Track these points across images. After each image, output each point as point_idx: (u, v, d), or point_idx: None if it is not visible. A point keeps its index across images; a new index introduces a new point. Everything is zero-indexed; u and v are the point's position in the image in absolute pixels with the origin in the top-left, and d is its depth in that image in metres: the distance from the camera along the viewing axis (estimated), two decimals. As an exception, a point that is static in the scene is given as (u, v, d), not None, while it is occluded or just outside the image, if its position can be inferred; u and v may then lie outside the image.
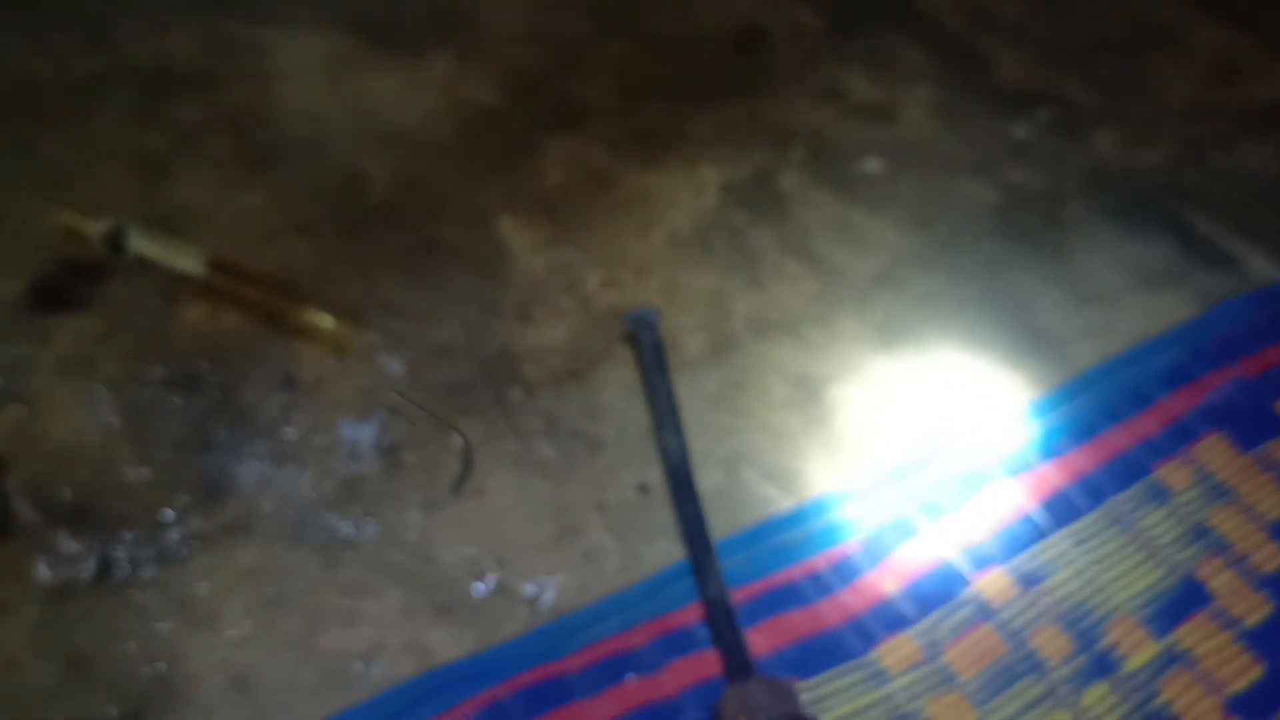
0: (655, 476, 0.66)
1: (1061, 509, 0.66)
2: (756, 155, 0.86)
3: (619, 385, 0.71)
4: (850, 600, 0.61)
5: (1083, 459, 0.68)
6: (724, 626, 0.58)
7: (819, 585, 0.62)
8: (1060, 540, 0.64)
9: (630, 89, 0.91)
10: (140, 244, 0.72)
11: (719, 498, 0.65)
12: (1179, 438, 0.69)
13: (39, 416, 0.66)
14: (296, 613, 0.60)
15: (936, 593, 0.62)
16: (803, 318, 0.75)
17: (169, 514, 0.63)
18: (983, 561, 0.63)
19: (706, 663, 0.58)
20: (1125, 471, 0.68)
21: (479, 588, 0.61)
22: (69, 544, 0.61)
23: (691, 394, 0.70)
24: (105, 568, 0.60)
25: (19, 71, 0.86)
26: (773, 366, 0.73)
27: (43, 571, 0.60)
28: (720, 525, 0.64)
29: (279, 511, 0.63)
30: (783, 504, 0.66)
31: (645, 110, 0.89)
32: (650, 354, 0.70)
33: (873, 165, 0.86)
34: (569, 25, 0.96)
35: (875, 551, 0.63)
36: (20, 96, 0.85)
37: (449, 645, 0.59)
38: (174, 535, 0.62)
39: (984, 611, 0.61)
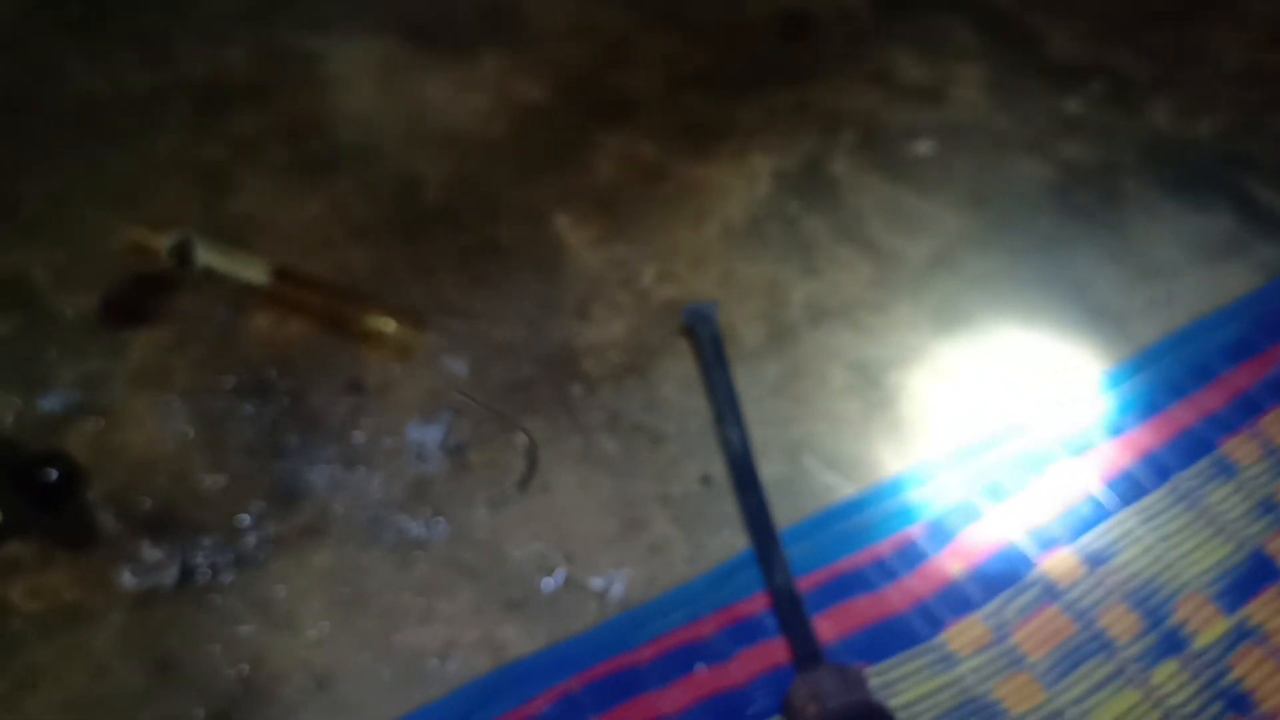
0: (718, 468, 0.67)
1: (1127, 487, 0.65)
2: (807, 142, 0.86)
3: (678, 378, 0.71)
4: (916, 585, 0.61)
5: (1147, 436, 0.68)
6: (791, 615, 0.59)
7: (884, 570, 0.62)
8: (1126, 518, 0.64)
9: (678, 80, 0.91)
10: (206, 256, 0.74)
11: (781, 486, 0.66)
12: (1245, 411, 0.69)
13: (117, 428, 0.68)
14: (372, 612, 0.61)
15: (1003, 575, 0.62)
16: (859, 304, 0.76)
17: (245, 519, 0.65)
18: (1048, 542, 0.63)
19: (775, 651, 0.59)
20: (1191, 447, 0.67)
21: (548, 583, 0.62)
22: (151, 552, 0.63)
23: (751, 384, 0.71)
24: (187, 574, 0.62)
25: (83, 91, 0.88)
26: (831, 354, 0.73)
27: (127, 579, 0.62)
28: (783, 514, 0.64)
29: (351, 514, 0.65)
30: (845, 491, 0.66)
31: (694, 101, 0.90)
32: (708, 346, 0.71)
33: (924, 147, 0.86)
34: (615, 18, 0.96)
35: (940, 535, 0.63)
36: (85, 116, 0.87)
37: (521, 640, 0.60)
38: (251, 540, 0.64)
39: (1051, 592, 0.61)
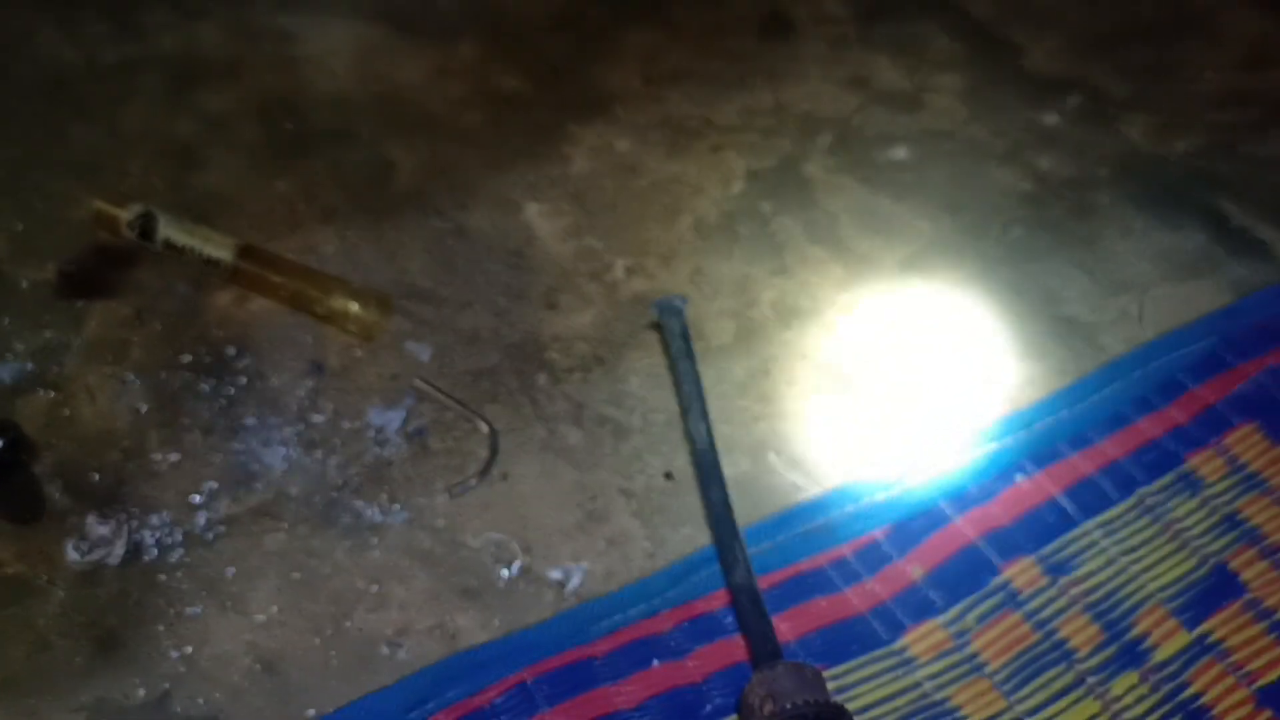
0: (682, 463, 0.66)
1: (1091, 498, 0.65)
2: (783, 143, 0.86)
3: (645, 372, 0.71)
4: (877, 587, 0.61)
5: (1113, 448, 0.67)
6: (750, 612, 0.58)
7: (846, 572, 0.61)
8: (1089, 529, 0.64)
9: (656, 76, 0.91)
10: (169, 231, 0.72)
11: (745, 485, 0.65)
12: (1211, 427, 0.68)
13: (69, 401, 0.67)
14: (324, 596, 0.60)
15: (964, 581, 0.61)
16: (830, 305, 0.75)
17: (197, 498, 0.63)
18: (1011, 550, 0.63)
19: (733, 649, 0.58)
20: (1156, 461, 0.67)
21: (505, 572, 0.61)
22: (98, 527, 0.61)
23: (718, 381, 0.70)
24: (134, 551, 0.61)
25: (50, 59, 0.87)
26: (800, 354, 0.72)
27: (72, 554, 0.60)
28: (746, 512, 0.63)
29: (307, 496, 0.64)
30: (809, 491, 0.65)
31: (671, 97, 0.89)
32: (677, 341, 0.70)
33: (900, 153, 0.86)
34: (595, 11, 0.96)
35: (903, 539, 0.63)
36: (51, 84, 0.85)
37: (475, 629, 0.59)
38: (202, 519, 0.62)
39: (1013, 600, 0.61)
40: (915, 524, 0.63)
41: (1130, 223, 0.82)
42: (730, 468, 0.65)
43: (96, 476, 0.64)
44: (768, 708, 0.52)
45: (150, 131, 0.83)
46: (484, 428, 0.67)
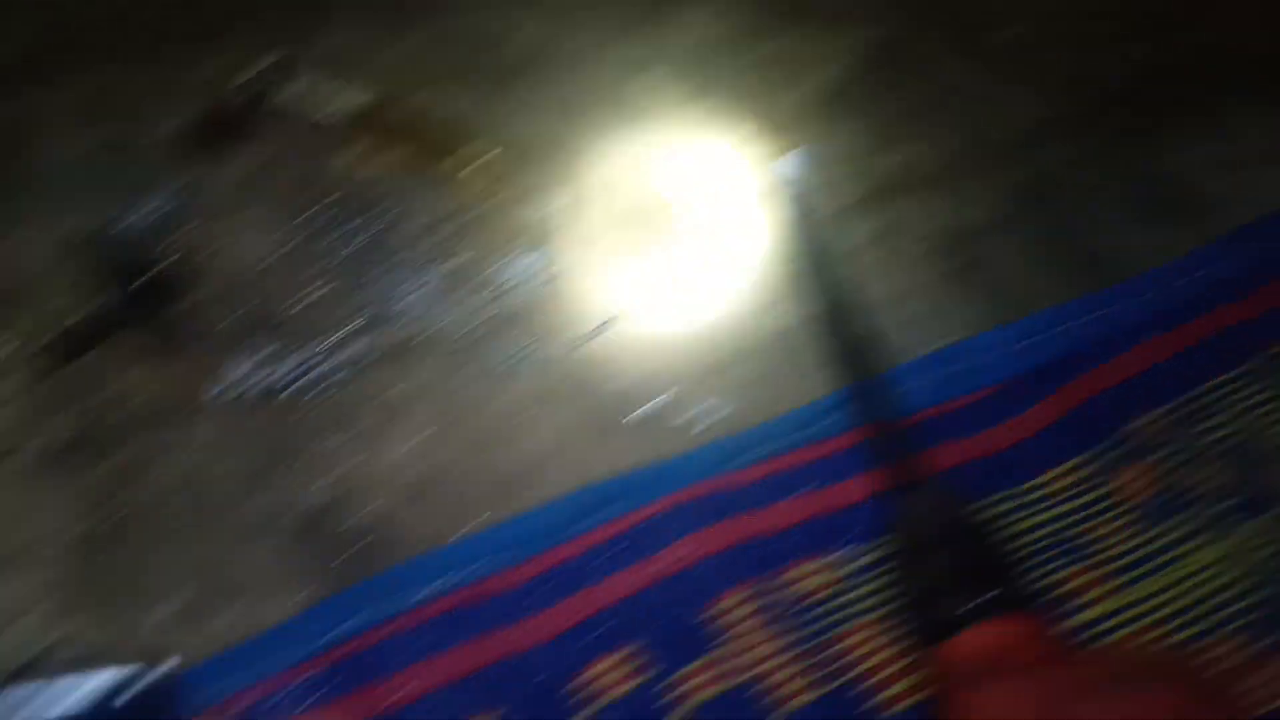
0: (819, 309, 0.66)
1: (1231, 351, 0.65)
2: (900, 15, 0.85)
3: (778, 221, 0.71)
4: (1018, 427, 0.61)
5: (1242, 310, 0.67)
6: (895, 443, 0.58)
7: (986, 412, 0.62)
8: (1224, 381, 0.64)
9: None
10: (302, 83, 0.73)
11: (879, 337, 0.65)
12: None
13: (211, 241, 0.68)
14: (463, 432, 0.61)
15: (1099, 427, 0.62)
16: (951, 170, 0.75)
17: (339, 335, 0.64)
18: (1141, 404, 0.63)
19: (879, 477, 0.59)
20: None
21: (643, 411, 0.62)
22: (243, 361, 0.63)
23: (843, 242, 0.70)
24: (276, 385, 0.62)
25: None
26: (927, 216, 0.72)
27: (216, 388, 0.62)
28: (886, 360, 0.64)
29: (445, 336, 0.65)
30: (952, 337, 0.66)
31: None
32: (800, 197, 0.70)
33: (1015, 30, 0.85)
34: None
35: (1044, 381, 0.63)
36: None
37: (611, 465, 0.60)
38: (344, 355, 0.64)
39: (1143, 449, 0.61)
40: (1054, 368, 0.64)
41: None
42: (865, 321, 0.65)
43: (239, 312, 0.65)
44: (937, 517, 0.53)
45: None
46: (618, 273, 0.68)
